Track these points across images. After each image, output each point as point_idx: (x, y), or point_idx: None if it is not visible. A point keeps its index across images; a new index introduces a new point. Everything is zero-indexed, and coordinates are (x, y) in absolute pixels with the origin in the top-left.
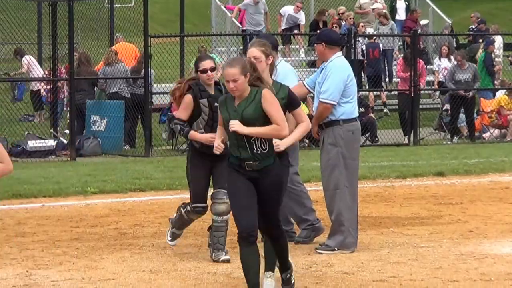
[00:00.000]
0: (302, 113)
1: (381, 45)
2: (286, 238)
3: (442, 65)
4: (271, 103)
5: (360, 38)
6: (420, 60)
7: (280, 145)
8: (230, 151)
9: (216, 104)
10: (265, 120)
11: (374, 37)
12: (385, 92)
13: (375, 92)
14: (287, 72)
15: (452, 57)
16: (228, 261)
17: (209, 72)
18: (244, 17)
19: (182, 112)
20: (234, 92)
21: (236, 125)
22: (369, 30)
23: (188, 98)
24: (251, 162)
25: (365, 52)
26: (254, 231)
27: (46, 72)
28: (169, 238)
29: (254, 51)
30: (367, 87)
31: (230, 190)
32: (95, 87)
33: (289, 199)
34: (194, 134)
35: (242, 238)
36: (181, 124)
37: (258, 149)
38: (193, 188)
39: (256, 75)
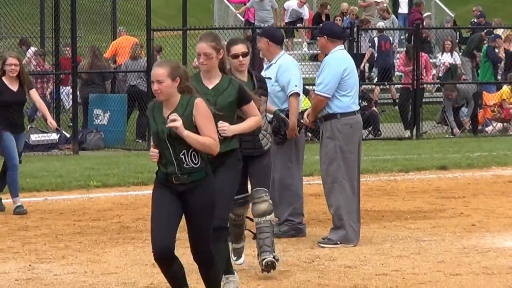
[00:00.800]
0: (253, 108)
1: (391, 38)
2: (217, 267)
3: (444, 59)
4: (204, 115)
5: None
6: (424, 54)
7: (227, 130)
8: (158, 165)
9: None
10: (196, 133)
11: (383, 30)
12: (394, 86)
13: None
14: (288, 65)
15: (455, 52)
16: (272, 264)
17: (240, 57)
18: (248, 12)
19: None
20: (158, 95)
21: (177, 122)
22: (380, 24)
23: None
24: (178, 175)
25: (376, 44)
26: (169, 253)
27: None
28: (234, 258)
29: (204, 47)
30: (375, 80)
31: (152, 208)
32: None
33: (281, 195)
34: None
35: (156, 259)
36: None
37: (188, 163)
38: None
39: (188, 84)
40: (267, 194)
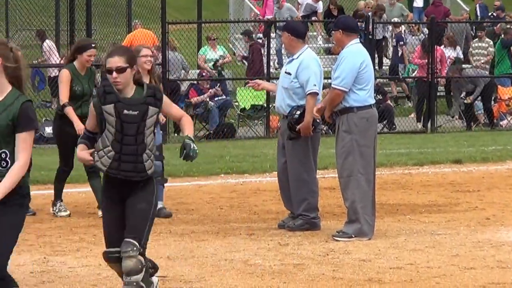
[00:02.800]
0: (24, 142)
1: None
2: None
3: (447, 53)
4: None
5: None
6: (439, 48)
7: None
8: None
9: (126, 111)
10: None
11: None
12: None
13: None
14: (310, 62)
15: (458, 47)
16: None
17: (114, 73)
18: (266, 5)
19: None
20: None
21: None
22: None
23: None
24: None
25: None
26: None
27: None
28: None
29: None
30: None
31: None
32: None
33: (297, 190)
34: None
35: None
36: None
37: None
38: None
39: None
40: (136, 248)
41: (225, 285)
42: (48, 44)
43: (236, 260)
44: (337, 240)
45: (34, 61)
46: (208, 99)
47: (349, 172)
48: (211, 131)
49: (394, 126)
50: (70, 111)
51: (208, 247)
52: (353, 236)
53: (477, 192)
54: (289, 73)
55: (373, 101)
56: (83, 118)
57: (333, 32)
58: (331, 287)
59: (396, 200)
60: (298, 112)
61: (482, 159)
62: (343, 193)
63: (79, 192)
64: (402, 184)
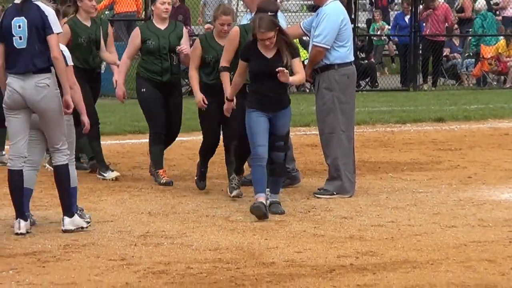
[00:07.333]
0: None
1: None
2: None
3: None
4: None
5: None
6: (444, 4)
7: None
8: None
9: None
10: None
11: None
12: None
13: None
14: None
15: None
16: None
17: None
18: None
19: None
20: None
21: None
22: None
23: None
24: None
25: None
26: None
27: None
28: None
29: None
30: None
31: None
32: None
33: None
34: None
35: None
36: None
37: None
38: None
39: None
40: None
41: (206, 241)
42: None
43: (217, 216)
44: (318, 197)
45: None
46: None
47: (331, 129)
48: None
49: (376, 84)
50: (225, 77)
51: (190, 203)
52: (335, 193)
53: (459, 151)
54: None
55: (352, 58)
56: None
57: None
58: (312, 244)
59: (378, 158)
60: None
61: (464, 118)
62: (324, 150)
63: None
64: (384, 142)
